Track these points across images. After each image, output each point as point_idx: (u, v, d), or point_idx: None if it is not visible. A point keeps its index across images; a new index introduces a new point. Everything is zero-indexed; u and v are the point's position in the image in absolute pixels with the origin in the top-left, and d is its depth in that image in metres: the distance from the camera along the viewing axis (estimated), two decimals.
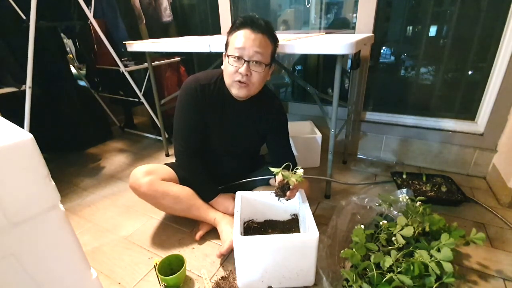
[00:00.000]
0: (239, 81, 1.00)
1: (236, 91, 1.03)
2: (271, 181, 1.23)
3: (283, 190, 0.97)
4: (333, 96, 1.19)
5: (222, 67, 1.07)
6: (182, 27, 2.31)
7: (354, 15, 1.67)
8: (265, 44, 0.99)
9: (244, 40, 0.96)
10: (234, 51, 0.98)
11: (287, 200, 1.00)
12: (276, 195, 0.98)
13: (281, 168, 0.95)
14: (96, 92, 2.28)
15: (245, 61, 0.97)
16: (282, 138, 1.21)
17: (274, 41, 1.03)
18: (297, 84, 2.07)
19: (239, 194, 1.08)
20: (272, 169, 0.95)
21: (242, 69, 0.98)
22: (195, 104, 1.08)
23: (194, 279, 1.00)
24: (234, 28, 1.00)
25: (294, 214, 1.15)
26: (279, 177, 0.98)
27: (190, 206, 1.14)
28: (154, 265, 1.02)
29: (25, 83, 1.45)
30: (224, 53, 1.06)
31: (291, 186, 0.97)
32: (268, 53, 1.01)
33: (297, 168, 0.95)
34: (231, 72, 1.00)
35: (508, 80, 1.36)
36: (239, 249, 0.88)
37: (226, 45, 1.03)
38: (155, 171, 1.14)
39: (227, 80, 1.04)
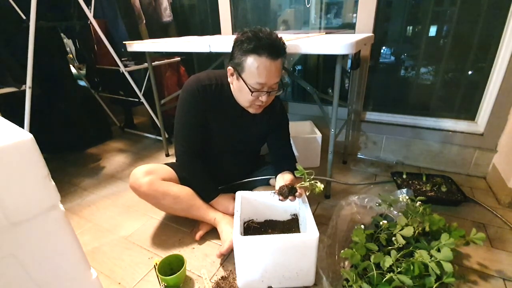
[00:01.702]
0: (258, 104, 1.02)
1: (254, 111, 1.06)
2: (271, 181, 1.23)
3: (288, 194, 0.98)
4: (333, 96, 1.19)
5: (229, 80, 1.05)
6: (182, 27, 2.31)
7: (354, 15, 1.67)
8: (281, 66, 0.98)
9: (266, 73, 0.94)
10: (255, 84, 0.96)
11: (280, 200, 1.00)
12: (280, 194, 0.99)
13: (309, 180, 0.95)
14: (96, 92, 2.28)
15: (266, 91, 0.98)
16: (283, 138, 1.22)
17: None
18: (297, 84, 2.06)
19: (239, 194, 1.08)
20: (299, 168, 0.95)
21: (263, 98, 0.99)
22: (196, 104, 1.08)
23: (194, 279, 1.00)
24: (250, 49, 0.92)
25: (294, 214, 1.15)
26: (287, 180, 1.01)
27: (190, 206, 1.15)
28: (154, 265, 1.02)
29: (25, 83, 1.45)
30: (232, 67, 1.00)
31: (297, 194, 0.98)
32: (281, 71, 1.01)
33: (316, 182, 0.96)
34: (251, 99, 1.00)
35: (508, 80, 1.36)
36: (239, 249, 0.88)
37: (239, 65, 0.96)
38: (155, 171, 1.14)
39: (244, 103, 1.04)
